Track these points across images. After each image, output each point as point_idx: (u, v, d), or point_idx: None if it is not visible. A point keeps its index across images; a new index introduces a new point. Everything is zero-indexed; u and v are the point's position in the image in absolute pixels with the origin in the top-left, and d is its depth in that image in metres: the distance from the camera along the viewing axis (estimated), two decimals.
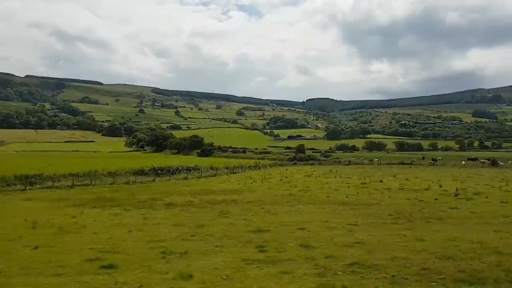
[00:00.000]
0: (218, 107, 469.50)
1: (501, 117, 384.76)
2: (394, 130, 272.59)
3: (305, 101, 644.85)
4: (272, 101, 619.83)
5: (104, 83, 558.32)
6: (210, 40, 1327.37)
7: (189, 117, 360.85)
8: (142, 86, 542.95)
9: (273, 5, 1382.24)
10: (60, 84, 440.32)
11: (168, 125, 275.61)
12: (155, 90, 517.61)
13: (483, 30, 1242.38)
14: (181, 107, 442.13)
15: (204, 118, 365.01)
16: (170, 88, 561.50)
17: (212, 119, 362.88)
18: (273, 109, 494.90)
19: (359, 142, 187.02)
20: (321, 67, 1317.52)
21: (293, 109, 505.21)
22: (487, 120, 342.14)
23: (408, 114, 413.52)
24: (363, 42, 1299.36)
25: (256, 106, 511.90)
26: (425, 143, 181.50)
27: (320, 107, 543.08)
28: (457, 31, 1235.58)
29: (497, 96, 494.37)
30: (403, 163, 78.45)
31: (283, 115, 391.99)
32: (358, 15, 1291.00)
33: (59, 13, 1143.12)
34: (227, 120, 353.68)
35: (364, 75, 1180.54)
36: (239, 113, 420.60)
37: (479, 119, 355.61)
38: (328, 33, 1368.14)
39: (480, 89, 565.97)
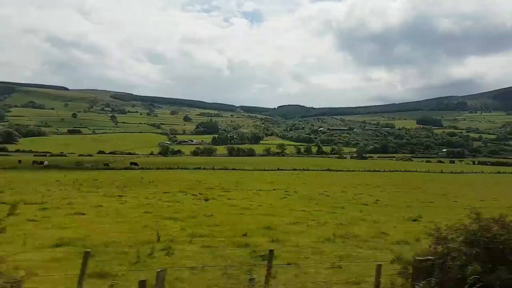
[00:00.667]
0: (172, 113, 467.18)
1: (451, 123, 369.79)
2: (303, 137, 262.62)
3: (276, 107, 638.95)
4: (243, 107, 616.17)
5: (72, 88, 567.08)
6: (202, 46, 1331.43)
7: (123, 122, 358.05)
8: (105, 90, 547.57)
9: (272, 12, 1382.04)
10: (11, 88, 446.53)
11: (71, 128, 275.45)
12: (116, 96, 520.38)
13: (480, 38, 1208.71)
14: (133, 112, 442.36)
15: (139, 123, 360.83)
16: (154, 95, 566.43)
17: (145, 124, 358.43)
18: (231, 115, 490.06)
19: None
20: (317, 74, 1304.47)
21: (245, 115, 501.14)
22: (424, 126, 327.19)
23: (367, 122, 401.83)
24: (361, 49, 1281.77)
25: (218, 112, 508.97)
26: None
27: (284, 114, 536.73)
28: (454, 38, 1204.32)
29: (462, 103, 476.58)
30: None
31: (219, 121, 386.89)
32: (353, 22, 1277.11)
33: (54, 19, 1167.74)
34: (156, 125, 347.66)
35: (362, 83, 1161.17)
36: (186, 118, 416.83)
37: (424, 126, 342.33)
38: (324, 40, 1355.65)
39: (451, 96, 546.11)
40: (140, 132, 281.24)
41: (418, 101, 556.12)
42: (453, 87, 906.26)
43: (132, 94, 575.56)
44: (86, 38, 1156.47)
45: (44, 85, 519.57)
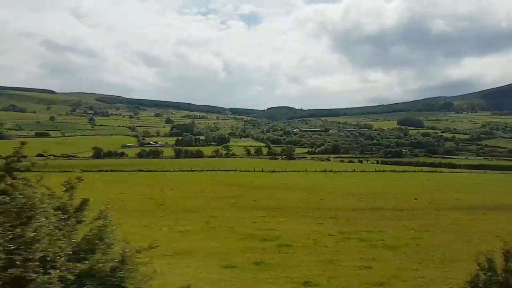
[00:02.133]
0: (157, 115, 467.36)
1: (433, 124, 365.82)
2: (273, 138, 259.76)
3: (265, 109, 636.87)
4: (233, 109, 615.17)
5: (59, 91, 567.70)
6: (199, 49, 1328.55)
7: (101, 125, 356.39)
8: (91, 93, 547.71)
9: (269, 14, 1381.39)
10: None
11: (43, 131, 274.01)
12: (101, 98, 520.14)
13: (476, 38, 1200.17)
14: (117, 114, 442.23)
15: (117, 126, 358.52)
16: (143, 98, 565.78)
17: (123, 126, 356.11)
18: (217, 117, 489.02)
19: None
20: (314, 76, 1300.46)
21: (231, 117, 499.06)
22: (401, 127, 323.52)
23: (347, 124, 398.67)
24: (357, 51, 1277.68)
25: (205, 114, 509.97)
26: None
27: (272, 116, 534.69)
28: (449, 39, 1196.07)
29: (448, 104, 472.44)
30: None
31: (202, 123, 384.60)
32: (348, 23, 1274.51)
33: (49, 22, 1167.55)
34: (132, 128, 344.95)
35: (359, 84, 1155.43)
36: (168, 121, 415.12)
37: (400, 127, 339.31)
38: (321, 42, 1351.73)
39: (439, 97, 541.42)
40: (111, 135, 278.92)
41: (406, 102, 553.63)
42: (450, 88, 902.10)
43: (121, 97, 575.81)
44: (82, 42, 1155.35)
45: (30, 88, 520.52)
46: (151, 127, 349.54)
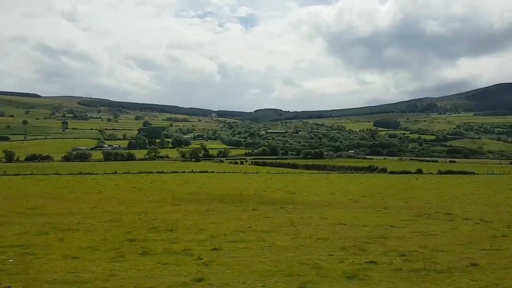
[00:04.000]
0: (137, 118, 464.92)
1: (412, 125, 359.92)
2: (234, 140, 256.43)
3: (253, 111, 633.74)
4: (221, 112, 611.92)
5: (47, 95, 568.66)
6: (195, 52, 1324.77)
7: (73, 128, 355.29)
8: (80, 97, 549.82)
9: (266, 17, 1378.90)
10: None
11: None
12: (83, 102, 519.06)
13: (473, 39, 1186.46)
14: (96, 118, 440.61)
15: (90, 129, 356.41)
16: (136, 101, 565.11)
17: (96, 129, 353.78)
18: (199, 120, 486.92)
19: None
20: (310, 79, 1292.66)
21: (214, 120, 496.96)
22: (371, 128, 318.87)
23: (324, 125, 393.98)
24: (352, 53, 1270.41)
25: (187, 117, 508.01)
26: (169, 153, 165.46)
27: (256, 118, 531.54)
28: (444, 41, 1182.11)
29: (432, 104, 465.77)
30: None
31: (180, 125, 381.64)
32: (342, 25, 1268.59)
33: (43, 26, 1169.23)
34: (102, 131, 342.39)
35: (356, 86, 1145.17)
36: (146, 124, 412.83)
37: (380, 129, 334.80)
38: (316, 44, 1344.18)
39: (425, 98, 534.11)
40: (74, 138, 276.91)
41: (392, 103, 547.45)
42: (446, 89, 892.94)
43: (106, 100, 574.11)
44: (76, 46, 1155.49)
45: (14, 92, 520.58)
46: (123, 130, 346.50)
